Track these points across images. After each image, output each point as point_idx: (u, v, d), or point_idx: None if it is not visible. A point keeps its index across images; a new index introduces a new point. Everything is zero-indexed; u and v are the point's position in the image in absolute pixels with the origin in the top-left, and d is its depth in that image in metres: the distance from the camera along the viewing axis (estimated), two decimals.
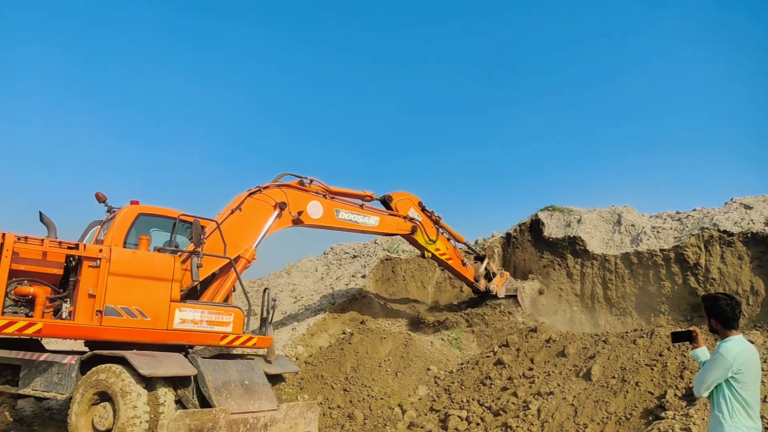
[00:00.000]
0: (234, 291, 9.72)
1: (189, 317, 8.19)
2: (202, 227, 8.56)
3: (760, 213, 13.95)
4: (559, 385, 8.99)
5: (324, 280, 17.64)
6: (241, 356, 9.11)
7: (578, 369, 9.24)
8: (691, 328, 4.31)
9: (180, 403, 7.56)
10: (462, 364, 11.61)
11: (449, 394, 10.18)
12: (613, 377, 8.60)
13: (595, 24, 63.87)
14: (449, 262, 13.97)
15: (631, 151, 59.29)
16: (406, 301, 16.81)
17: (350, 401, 10.28)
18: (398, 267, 17.66)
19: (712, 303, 4.05)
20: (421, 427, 9.12)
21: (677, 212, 16.20)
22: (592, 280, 16.22)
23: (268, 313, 9.20)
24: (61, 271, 7.83)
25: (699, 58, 54.79)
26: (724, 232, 14.01)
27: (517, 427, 8.25)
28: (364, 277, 16.89)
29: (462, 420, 8.99)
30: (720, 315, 3.99)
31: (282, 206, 10.06)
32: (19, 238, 7.31)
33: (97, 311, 7.43)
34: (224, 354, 8.96)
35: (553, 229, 17.55)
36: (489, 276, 15.07)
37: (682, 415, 7.04)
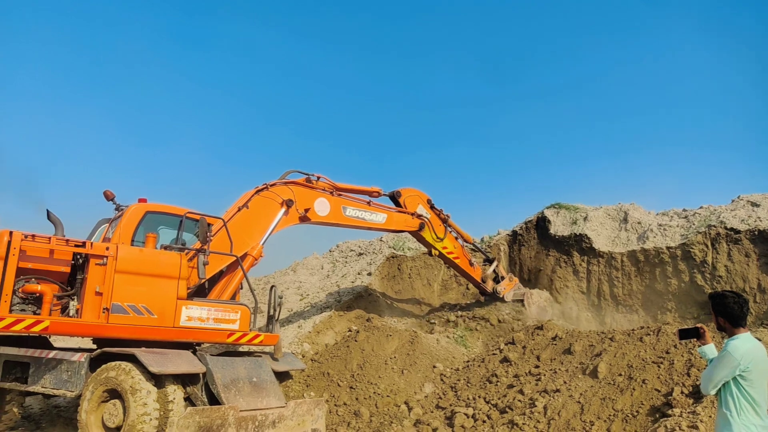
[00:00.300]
0: (241, 289, 9.74)
1: (196, 315, 8.22)
2: (209, 225, 8.58)
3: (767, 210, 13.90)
4: (565, 382, 8.98)
5: (330, 277, 17.66)
6: (249, 354, 9.14)
7: (585, 366, 9.23)
8: (698, 325, 4.30)
9: (189, 401, 7.61)
10: (468, 361, 11.61)
11: (455, 392, 10.19)
12: (620, 375, 8.59)
13: (602, 19, 63.65)
14: (456, 261, 13.92)
15: (638, 148, 59.09)
16: (412, 299, 16.82)
17: (356, 398, 10.30)
18: (404, 264, 17.66)
19: (719, 301, 4.04)
20: (428, 425, 9.13)
21: (684, 210, 16.15)
22: (598, 277, 16.19)
23: (274, 310, 9.22)
24: (68, 269, 7.88)
25: (707, 54, 54.55)
26: (731, 229, 13.95)
27: (523, 424, 8.25)
28: (369, 274, 16.89)
29: (468, 417, 8.99)
30: (727, 313, 3.97)
31: (289, 203, 10.05)
32: (26, 237, 7.35)
33: (104, 309, 7.48)
34: (231, 351, 9.00)
35: (559, 226, 17.52)
36: (497, 279, 15.07)
37: (689, 412, 7.02)
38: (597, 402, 8.23)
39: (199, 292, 8.85)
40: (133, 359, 7.29)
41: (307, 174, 10.84)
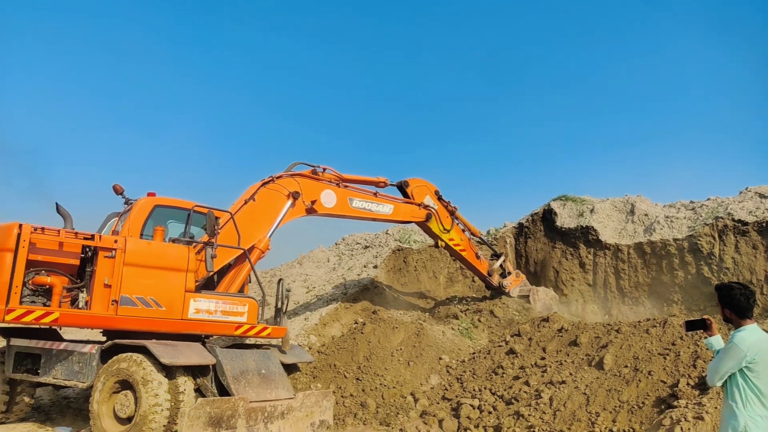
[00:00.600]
0: (249, 282, 9.79)
1: (204, 307, 8.29)
2: (216, 218, 8.63)
3: None
4: (571, 374, 9.00)
5: (336, 270, 17.70)
6: (257, 346, 9.21)
7: (590, 358, 9.25)
8: (705, 317, 4.30)
9: (199, 392, 7.69)
10: (474, 353, 11.65)
11: (461, 383, 10.24)
12: (626, 366, 8.61)
13: (607, 11, 63.26)
14: (463, 253, 13.89)
15: (645, 140, 58.80)
16: (417, 292, 16.86)
17: (363, 390, 10.36)
18: (410, 257, 17.68)
19: (726, 292, 4.04)
20: (434, 416, 9.18)
21: (691, 201, 16.11)
22: (604, 269, 16.20)
23: (282, 303, 9.27)
24: (77, 262, 7.94)
25: (714, 46, 54.17)
26: (739, 221, 13.92)
27: (529, 415, 8.29)
28: (375, 267, 16.92)
29: (474, 408, 9.04)
30: (734, 304, 3.98)
31: (295, 196, 10.06)
32: (35, 229, 7.41)
33: (112, 301, 7.55)
34: (239, 344, 9.06)
35: (565, 218, 17.51)
36: (504, 274, 15.08)
37: (694, 404, 7.04)
38: (603, 393, 8.25)
39: (208, 284, 8.92)
40: (144, 351, 7.38)
41: (312, 166, 10.84)
